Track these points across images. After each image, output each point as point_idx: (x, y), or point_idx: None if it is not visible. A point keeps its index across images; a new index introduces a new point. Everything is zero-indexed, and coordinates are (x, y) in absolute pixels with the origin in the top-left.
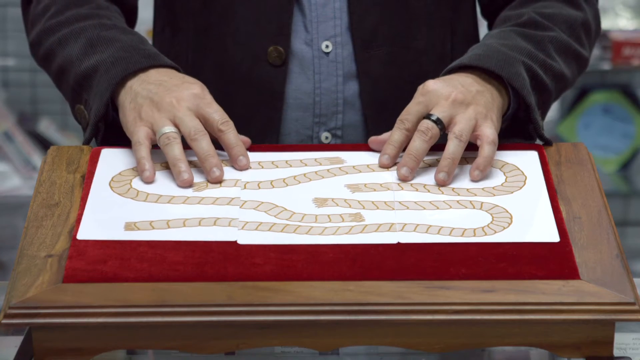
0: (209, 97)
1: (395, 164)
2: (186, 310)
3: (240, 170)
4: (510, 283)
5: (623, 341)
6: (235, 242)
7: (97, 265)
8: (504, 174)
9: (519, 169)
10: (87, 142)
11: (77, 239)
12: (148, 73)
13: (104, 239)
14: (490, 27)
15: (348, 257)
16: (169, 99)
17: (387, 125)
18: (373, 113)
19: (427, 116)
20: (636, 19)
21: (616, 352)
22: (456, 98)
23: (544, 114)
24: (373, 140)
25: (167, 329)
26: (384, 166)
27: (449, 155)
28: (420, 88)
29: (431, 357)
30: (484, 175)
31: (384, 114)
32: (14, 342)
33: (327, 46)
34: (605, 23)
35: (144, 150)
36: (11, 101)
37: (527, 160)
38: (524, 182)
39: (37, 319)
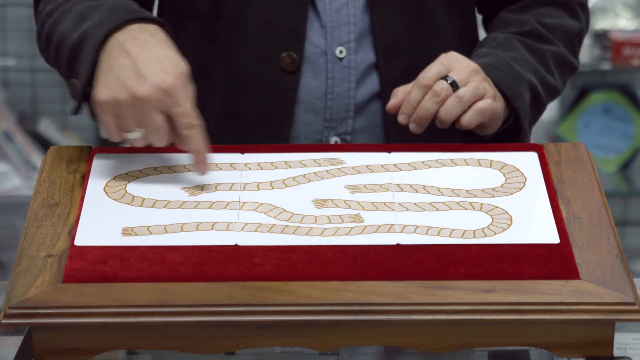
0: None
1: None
2: (186, 310)
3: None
4: (510, 283)
5: (623, 341)
6: (235, 245)
7: (97, 265)
8: (504, 175)
9: (518, 170)
10: (75, 110)
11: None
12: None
13: (102, 244)
14: (485, 23)
15: (348, 257)
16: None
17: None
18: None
19: (445, 77)
20: (636, 19)
21: (616, 352)
22: (476, 69)
23: (532, 125)
24: (392, 106)
25: (167, 329)
26: (402, 124)
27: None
28: (444, 54)
29: (432, 357)
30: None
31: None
32: (14, 342)
33: (341, 52)
34: (605, 23)
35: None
36: (11, 101)
37: (526, 161)
38: (524, 183)
39: (37, 319)
